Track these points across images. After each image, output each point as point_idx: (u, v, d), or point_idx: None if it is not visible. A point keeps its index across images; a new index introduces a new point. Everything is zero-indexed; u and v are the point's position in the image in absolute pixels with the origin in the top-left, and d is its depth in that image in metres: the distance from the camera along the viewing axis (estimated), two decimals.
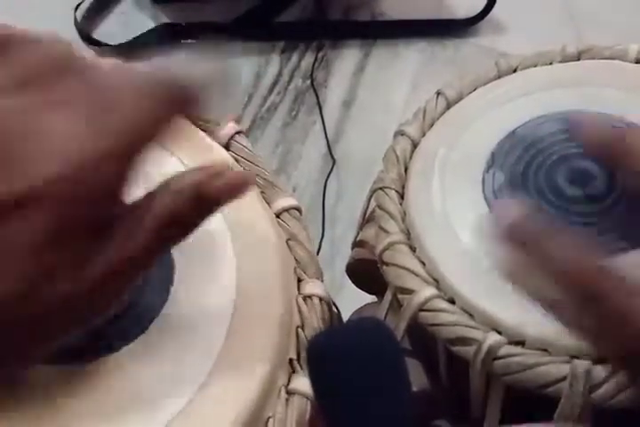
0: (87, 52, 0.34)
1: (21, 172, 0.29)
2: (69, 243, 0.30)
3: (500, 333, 0.43)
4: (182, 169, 0.46)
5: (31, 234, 0.29)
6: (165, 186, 0.33)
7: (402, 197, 0.50)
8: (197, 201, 0.32)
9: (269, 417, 0.38)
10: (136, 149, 0.31)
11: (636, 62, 0.53)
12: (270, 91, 1.02)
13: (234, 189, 0.33)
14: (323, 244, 0.88)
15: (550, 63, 0.55)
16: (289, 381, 0.40)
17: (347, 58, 1.06)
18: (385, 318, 0.49)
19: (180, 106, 0.32)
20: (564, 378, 0.41)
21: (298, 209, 0.47)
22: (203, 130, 0.48)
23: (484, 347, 0.42)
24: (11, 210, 0.29)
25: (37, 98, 0.31)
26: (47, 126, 0.30)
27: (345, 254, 0.58)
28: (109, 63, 0.33)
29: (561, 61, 0.55)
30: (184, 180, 0.33)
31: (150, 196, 0.32)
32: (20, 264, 0.30)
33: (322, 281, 0.44)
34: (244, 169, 0.47)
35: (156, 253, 0.33)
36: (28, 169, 0.29)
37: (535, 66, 0.55)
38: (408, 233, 0.48)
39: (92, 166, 0.30)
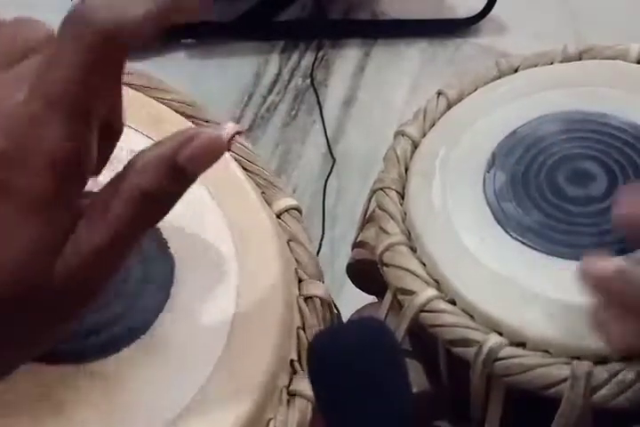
0: None
1: None
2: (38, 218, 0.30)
3: (500, 334, 0.43)
4: None
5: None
6: (132, 164, 0.31)
7: (402, 197, 0.50)
8: (170, 174, 0.30)
9: (270, 419, 0.38)
10: (74, 97, 0.30)
11: (637, 62, 0.53)
12: (270, 90, 1.02)
13: (207, 154, 0.30)
14: (323, 244, 0.88)
15: (551, 63, 0.55)
16: (290, 382, 0.40)
17: (347, 57, 1.05)
18: (385, 318, 0.49)
19: (102, 45, 0.29)
20: (564, 379, 0.41)
21: (298, 210, 0.47)
22: None
23: (485, 348, 0.42)
24: None
25: None
26: None
27: (345, 255, 0.58)
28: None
29: (562, 61, 0.55)
30: (151, 154, 0.31)
31: (119, 177, 0.31)
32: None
33: (322, 282, 0.44)
34: (245, 170, 0.47)
35: (133, 236, 0.32)
36: None
37: (536, 66, 0.55)
38: (408, 234, 0.48)
39: (31, 131, 0.29)
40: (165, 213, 0.32)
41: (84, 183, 0.31)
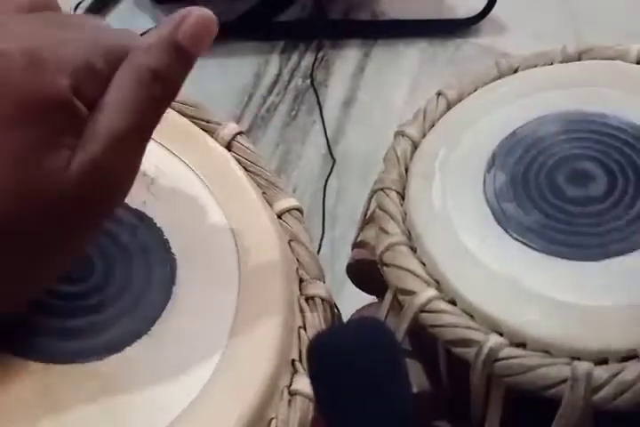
0: None
1: None
2: (48, 114, 0.31)
3: (501, 334, 0.43)
4: (185, 170, 0.46)
5: None
6: (136, 48, 0.33)
7: (402, 197, 0.50)
8: (173, 53, 0.33)
9: (272, 418, 0.38)
10: None
11: (637, 63, 0.53)
12: (270, 91, 1.02)
13: (204, 32, 0.33)
14: (323, 244, 0.88)
15: (551, 63, 0.55)
16: (291, 382, 0.40)
17: (347, 58, 1.05)
18: (385, 318, 0.49)
19: None
20: (565, 380, 0.41)
21: (299, 210, 0.47)
22: (204, 130, 0.48)
23: (485, 348, 0.42)
24: None
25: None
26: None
27: (345, 255, 0.58)
28: None
29: (562, 61, 0.55)
30: (152, 37, 0.33)
31: (126, 63, 0.33)
32: None
33: (324, 282, 0.45)
34: (247, 170, 0.47)
35: (150, 118, 0.33)
36: None
37: (536, 66, 0.55)
38: (409, 234, 0.48)
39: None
40: (174, 95, 0.34)
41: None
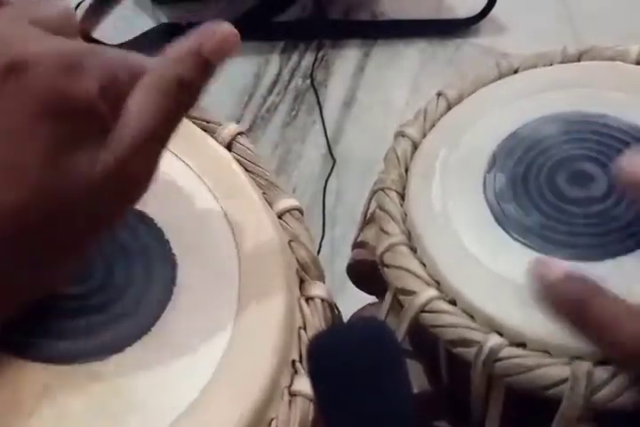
0: None
1: (10, 45, 0.32)
2: (75, 112, 0.33)
3: (501, 334, 0.43)
4: (186, 170, 0.46)
5: (33, 99, 0.32)
6: (164, 57, 0.35)
7: (402, 198, 0.50)
8: (199, 64, 0.35)
9: (272, 419, 0.38)
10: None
11: (637, 63, 0.53)
12: (270, 91, 1.02)
13: (226, 46, 0.35)
14: (323, 244, 0.88)
15: (551, 64, 0.55)
16: (292, 382, 0.40)
17: (347, 58, 1.06)
18: (385, 319, 0.49)
19: None
20: (565, 380, 0.41)
21: (299, 210, 0.47)
22: (204, 130, 0.49)
23: (485, 349, 0.42)
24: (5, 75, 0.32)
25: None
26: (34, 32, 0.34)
27: (345, 255, 0.58)
28: None
29: (561, 62, 0.55)
30: (181, 48, 0.35)
31: (155, 69, 0.35)
32: (25, 136, 0.32)
33: (324, 282, 0.45)
34: (247, 170, 0.47)
35: (173, 123, 0.35)
36: (16, 44, 0.33)
37: (536, 67, 0.55)
38: (409, 234, 0.48)
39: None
40: (195, 102, 0.36)
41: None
